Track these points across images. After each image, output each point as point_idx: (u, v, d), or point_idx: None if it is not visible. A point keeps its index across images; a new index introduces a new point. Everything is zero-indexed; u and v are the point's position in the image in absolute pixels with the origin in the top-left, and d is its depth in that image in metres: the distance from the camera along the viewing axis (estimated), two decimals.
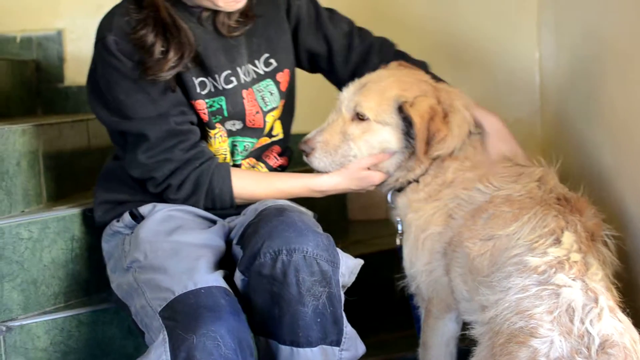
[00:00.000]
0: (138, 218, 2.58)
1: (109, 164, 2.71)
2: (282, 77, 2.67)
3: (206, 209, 2.60)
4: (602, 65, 2.74)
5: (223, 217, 2.63)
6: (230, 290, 2.36)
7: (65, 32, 3.81)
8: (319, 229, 2.42)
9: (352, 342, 2.41)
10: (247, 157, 2.69)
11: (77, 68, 3.85)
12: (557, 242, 2.28)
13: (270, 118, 2.67)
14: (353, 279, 2.47)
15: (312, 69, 2.81)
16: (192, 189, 2.55)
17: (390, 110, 2.59)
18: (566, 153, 3.04)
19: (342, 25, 2.77)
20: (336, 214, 3.60)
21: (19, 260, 2.65)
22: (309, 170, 2.68)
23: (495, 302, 2.22)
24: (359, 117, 2.61)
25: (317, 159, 2.62)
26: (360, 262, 2.49)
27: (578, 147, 2.96)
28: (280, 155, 2.76)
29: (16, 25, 3.86)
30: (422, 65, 2.79)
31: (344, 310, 2.41)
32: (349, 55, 2.77)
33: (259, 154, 2.72)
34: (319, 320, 2.33)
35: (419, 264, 2.60)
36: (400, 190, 2.66)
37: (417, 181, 2.62)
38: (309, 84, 2.94)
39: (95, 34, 2.52)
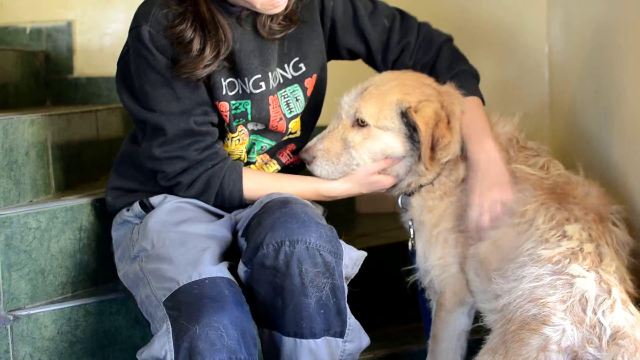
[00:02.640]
0: (148, 208, 2.58)
1: (126, 146, 2.71)
2: (310, 82, 2.66)
3: (215, 206, 2.60)
4: (611, 59, 2.73)
5: (229, 210, 2.64)
6: (234, 281, 2.37)
7: (75, 24, 3.81)
8: (322, 220, 2.41)
9: (356, 334, 2.41)
10: (260, 154, 2.69)
11: (86, 59, 3.86)
12: (564, 235, 2.30)
13: (293, 124, 2.67)
14: (356, 270, 2.47)
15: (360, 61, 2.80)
16: (202, 189, 2.55)
17: (391, 116, 2.57)
18: (575, 147, 3.04)
19: (382, 21, 2.73)
20: (344, 207, 3.61)
21: (27, 249, 2.65)
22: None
23: (508, 290, 2.24)
24: (360, 123, 2.60)
25: (319, 168, 2.61)
26: (363, 253, 2.48)
27: (587, 141, 2.96)
28: (293, 153, 2.74)
29: (26, 17, 3.87)
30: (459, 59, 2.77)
31: (348, 302, 2.40)
32: (386, 53, 2.75)
33: (273, 152, 2.71)
34: (322, 311, 2.33)
35: (433, 258, 2.60)
36: (411, 194, 2.65)
37: (431, 184, 2.62)
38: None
39: (132, 20, 2.50)
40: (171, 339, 2.25)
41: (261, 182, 2.59)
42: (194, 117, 2.50)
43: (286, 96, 2.63)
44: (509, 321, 2.19)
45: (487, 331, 2.38)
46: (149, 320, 2.40)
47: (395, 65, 2.75)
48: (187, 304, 2.27)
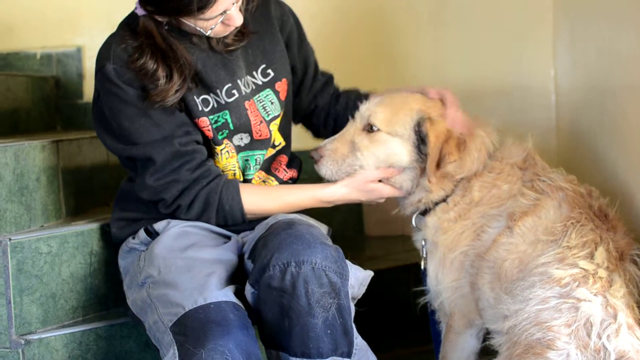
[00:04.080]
0: (153, 235, 2.60)
1: (124, 185, 2.74)
2: (281, 86, 2.69)
3: (219, 225, 2.62)
4: (617, 82, 2.75)
5: (237, 232, 2.65)
6: (240, 305, 2.38)
7: (85, 49, 3.84)
8: (328, 240, 2.43)
9: (364, 354, 2.43)
10: (257, 171, 2.70)
11: None
12: (590, 255, 2.31)
13: (274, 127, 2.69)
14: (363, 290, 2.48)
15: None
16: (202, 208, 2.57)
17: (406, 122, 2.61)
18: (582, 170, 3.05)
19: (314, 54, 2.84)
20: (353, 230, 3.62)
21: (38, 274, 2.67)
22: (320, 181, 2.69)
23: (515, 312, 2.25)
24: (370, 128, 2.63)
25: (324, 167, 2.65)
26: (370, 273, 2.50)
27: (593, 164, 2.97)
28: (288, 166, 2.77)
29: (36, 42, 3.90)
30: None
31: (356, 323, 2.41)
32: (314, 83, 2.85)
33: (267, 167, 2.73)
34: (329, 331, 2.34)
35: (447, 281, 2.61)
36: (425, 212, 2.67)
37: (445, 201, 2.63)
38: None
39: (95, 63, 2.55)
40: None
41: (260, 194, 2.62)
42: (177, 138, 2.53)
43: (261, 100, 2.66)
44: (515, 344, 2.19)
45: (495, 353, 2.38)
46: (157, 346, 2.42)
47: (317, 97, 2.85)
48: (192, 329, 2.29)
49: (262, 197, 2.60)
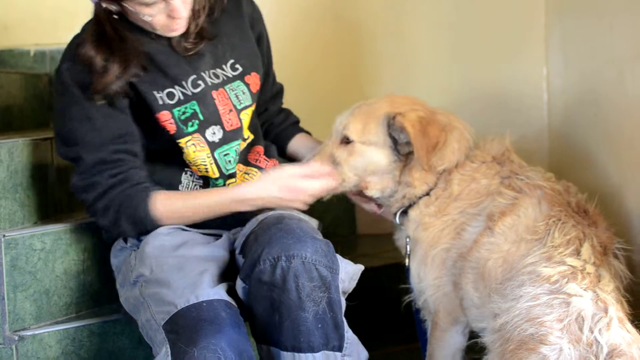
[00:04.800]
0: (143, 234, 2.61)
1: None
2: (251, 79, 2.71)
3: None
4: (609, 83, 2.77)
5: (228, 229, 2.66)
6: (232, 302, 2.39)
7: None
8: (318, 235, 2.45)
9: (354, 348, 2.44)
10: (233, 164, 2.69)
11: None
12: (576, 252, 2.32)
13: (244, 116, 2.69)
14: (354, 285, 2.50)
15: None
16: (115, 215, 2.56)
17: (376, 129, 2.62)
18: (573, 170, 3.07)
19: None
20: (345, 228, 3.63)
21: (32, 270, 2.68)
22: None
23: (506, 310, 2.26)
24: (347, 140, 2.64)
25: None
26: (360, 267, 2.51)
27: (585, 164, 2.99)
28: (267, 155, 2.78)
29: (30, 39, 3.90)
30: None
31: (347, 318, 2.43)
32: (273, 87, 2.89)
33: (244, 159, 2.73)
34: (319, 325, 2.35)
35: (428, 279, 2.62)
36: (409, 207, 2.68)
37: (428, 195, 2.64)
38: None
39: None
40: None
41: (178, 199, 2.58)
42: (112, 146, 2.54)
43: (234, 89, 2.67)
44: (507, 341, 2.20)
45: (482, 349, 2.40)
46: (150, 344, 2.43)
47: (268, 102, 2.89)
48: (185, 327, 2.31)
49: (180, 202, 2.58)
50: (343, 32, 3.74)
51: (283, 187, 2.53)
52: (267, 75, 2.85)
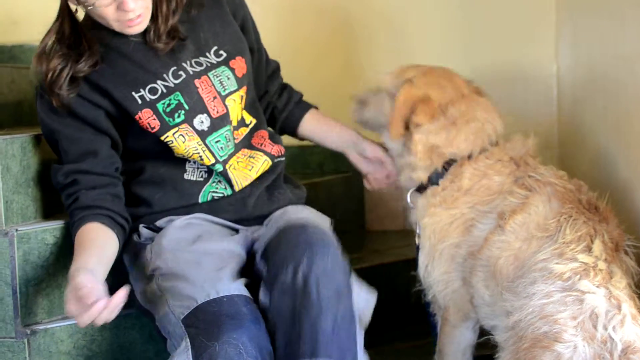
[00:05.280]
0: (155, 230, 2.63)
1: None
2: (236, 63, 2.70)
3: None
4: (619, 78, 2.77)
5: (247, 224, 2.67)
6: (251, 298, 2.41)
7: None
8: (339, 250, 2.46)
9: None
10: (238, 149, 2.70)
11: None
12: (588, 249, 2.32)
13: (230, 102, 2.67)
14: (369, 315, 2.52)
15: None
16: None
17: (394, 82, 2.69)
18: (583, 166, 3.08)
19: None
20: (354, 225, 3.63)
21: (44, 265, 2.69)
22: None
23: (519, 307, 2.26)
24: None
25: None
26: (374, 295, 2.54)
27: (595, 159, 2.99)
28: (272, 140, 2.77)
29: (40, 35, 3.91)
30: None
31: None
32: (268, 67, 2.88)
33: (248, 144, 2.73)
34: (337, 333, 2.36)
35: (436, 274, 2.62)
36: (420, 190, 2.68)
37: (437, 184, 2.64)
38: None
39: None
40: (190, 356, 2.30)
41: (79, 240, 2.55)
42: (68, 166, 2.60)
43: (218, 75, 2.66)
44: (521, 339, 2.21)
45: (493, 347, 2.40)
46: (167, 337, 2.44)
47: (266, 82, 2.88)
48: (205, 322, 2.32)
49: (76, 241, 2.56)
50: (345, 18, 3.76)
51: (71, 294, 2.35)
52: (260, 57, 2.84)
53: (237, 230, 2.65)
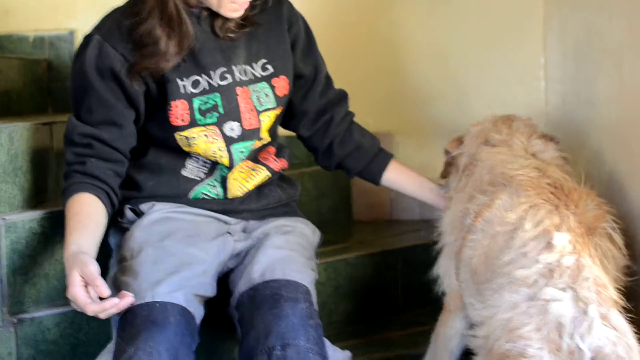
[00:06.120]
0: (139, 214, 2.63)
1: None
2: (278, 82, 2.67)
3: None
4: (606, 72, 2.79)
5: (235, 216, 2.67)
6: (190, 311, 2.40)
7: (78, 33, 3.85)
8: (311, 320, 2.41)
9: None
10: (243, 160, 2.68)
11: None
12: (550, 245, 2.24)
13: (265, 118, 2.66)
14: None
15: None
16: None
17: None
18: (570, 159, 3.08)
19: (325, 64, 2.82)
20: (342, 215, 3.65)
21: (32, 254, 2.70)
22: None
23: (487, 319, 2.22)
24: None
25: None
26: (347, 355, 2.50)
27: (581, 152, 3.00)
28: (277, 156, 2.76)
29: (29, 25, 3.91)
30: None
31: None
32: (327, 91, 2.80)
33: (254, 157, 2.71)
34: None
35: (442, 267, 2.65)
36: None
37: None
38: None
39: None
40: (111, 358, 2.32)
41: (75, 207, 2.49)
42: (90, 128, 2.54)
43: (257, 91, 2.64)
44: (489, 352, 2.16)
45: None
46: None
47: (331, 106, 2.80)
48: (132, 325, 2.32)
49: (70, 212, 2.50)
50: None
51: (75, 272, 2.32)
52: (315, 78, 2.77)
53: (223, 221, 2.65)
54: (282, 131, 2.83)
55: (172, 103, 2.55)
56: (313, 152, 2.88)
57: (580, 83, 3.07)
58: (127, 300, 2.30)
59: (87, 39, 2.55)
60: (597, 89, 2.88)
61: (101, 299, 2.31)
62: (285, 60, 2.69)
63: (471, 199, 2.53)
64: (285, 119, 2.81)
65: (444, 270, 2.64)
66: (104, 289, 2.28)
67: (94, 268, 2.31)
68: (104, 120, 2.54)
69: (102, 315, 2.31)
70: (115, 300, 2.29)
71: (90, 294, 2.30)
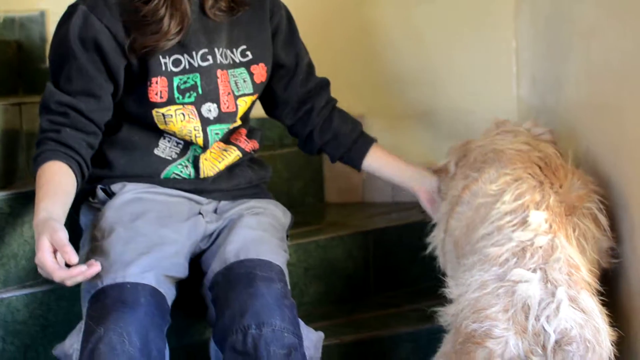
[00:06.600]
0: (110, 195, 2.62)
1: None
2: (257, 69, 2.69)
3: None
4: (576, 53, 2.80)
5: (207, 196, 2.67)
6: (161, 292, 2.40)
7: (48, 13, 3.81)
8: (286, 300, 2.43)
9: None
10: (217, 141, 2.69)
11: None
12: (525, 222, 2.23)
13: (242, 103, 2.68)
14: (319, 355, 2.50)
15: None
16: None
17: None
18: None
19: (307, 53, 2.82)
20: (313, 197, 3.65)
21: (0, 234, 2.68)
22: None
23: (458, 298, 2.23)
24: None
25: None
26: (321, 335, 2.52)
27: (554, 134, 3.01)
28: (248, 137, 2.77)
29: (1, 6, 3.87)
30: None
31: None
32: (309, 80, 2.81)
33: (226, 138, 2.72)
34: None
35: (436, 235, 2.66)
36: None
37: None
38: None
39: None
40: (80, 338, 2.32)
41: (46, 176, 2.47)
42: (67, 97, 2.51)
43: (235, 76, 2.65)
44: (457, 331, 2.17)
45: None
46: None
47: (312, 95, 2.81)
48: (102, 305, 2.32)
49: (42, 180, 2.46)
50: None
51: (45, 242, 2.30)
52: (297, 67, 2.78)
53: (197, 202, 2.65)
54: (254, 113, 2.83)
55: (153, 79, 2.55)
56: (297, 138, 2.90)
57: (551, 64, 3.08)
58: (94, 268, 2.29)
59: (72, 8, 2.54)
60: (567, 69, 2.89)
61: (68, 267, 2.30)
62: (264, 48, 2.70)
63: (466, 178, 2.54)
64: (269, 107, 2.84)
65: (439, 240, 2.64)
66: (73, 256, 2.27)
67: (64, 235, 2.30)
68: (83, 91, 2.53)
69: (69, 283, 2.30)
70: (82, 267, 2.28)
71: (58, 260, 2.29)
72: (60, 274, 2.28)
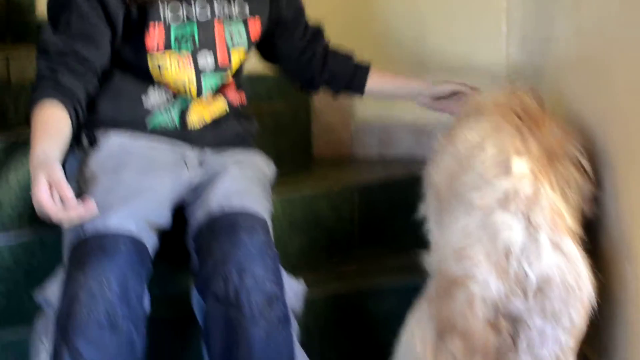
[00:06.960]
0: (94, 141, 2.62)
1: None
2: (253, 23, 2.69)
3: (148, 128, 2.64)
4: (562, 11, 2.81)
5: (191, 144, 2.68)
6: (141, 241, 2.41)
7: None
8: (269, 250, 2.45)
9: None
10: (209, 91, 2.70)
11: None
12: (508, 170, 2.21)
13: (235, 55, 2.69)
14: (301, 305, 2.52)
15: (266, 34, 2.81)
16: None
17: None
18: None
19: (303, 6, 2.88)
20: (301, 151, 3.64)
21: None
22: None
23: (441, 243, 2.25)
24: None
25: None
26: (303, 286, 2.54)
27: (541, 93, 3.01)
28: (237, 90, 2.79)
29: None
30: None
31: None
32: (306, 32, 2.87)
33: (216, 90, 2.73)
34: (272, 342, 2.37)
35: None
36: None
37: None
38: None
39: None
40: (60, 285, 2.33)
41: (41, 116, 2.45)
42: (64, 43, 2.51)
43: (230, 30, 2.66)
44: (440, 273, 2.19)
45: None
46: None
47: (311, 45, 2.88)
48: (82, 253, 2.33)
49: (36, 120, 2.46)
50: None
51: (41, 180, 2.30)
52: (297, 24, 2.85)
53: (180, 152, 2.66)
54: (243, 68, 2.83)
55: (151, 24, 2.55)
56: (295, 83, 2.98)
57: (540, 23, 3.09)
58: (91, 211, 2.30)
59: None
60: (556, 28, 2.89)
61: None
62: (262, 3, 2.71)
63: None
64: (269, 59, 2.91)
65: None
66: (69, 192, 2.27)
67: (61, 174, 2.30)
68: (82, 36, 2.52)
69: (66, 223, 2.31)
70: (80, 210, 2.28)
71: (54, 199, 2.28)
72: (60, 215, 2.27)
